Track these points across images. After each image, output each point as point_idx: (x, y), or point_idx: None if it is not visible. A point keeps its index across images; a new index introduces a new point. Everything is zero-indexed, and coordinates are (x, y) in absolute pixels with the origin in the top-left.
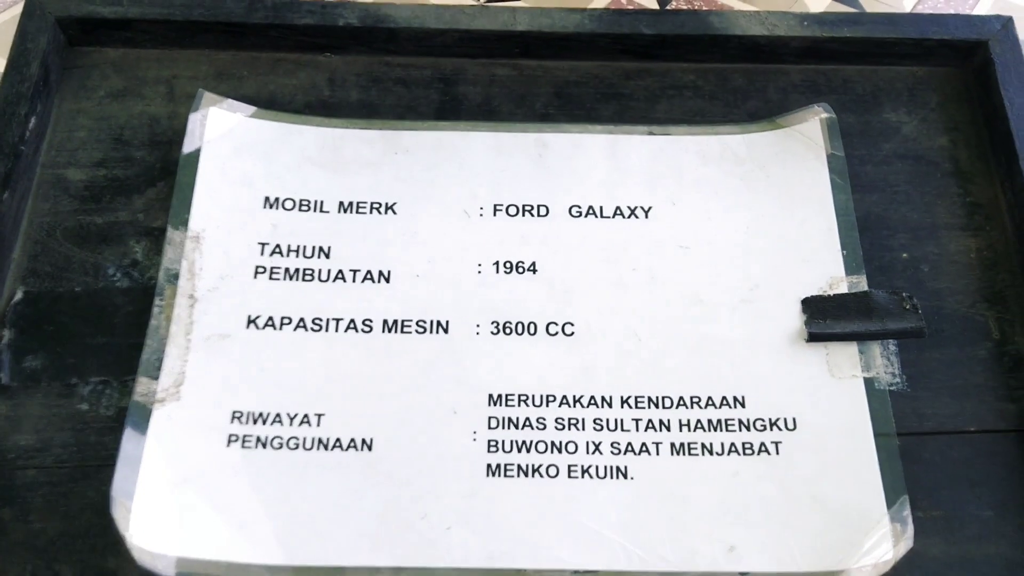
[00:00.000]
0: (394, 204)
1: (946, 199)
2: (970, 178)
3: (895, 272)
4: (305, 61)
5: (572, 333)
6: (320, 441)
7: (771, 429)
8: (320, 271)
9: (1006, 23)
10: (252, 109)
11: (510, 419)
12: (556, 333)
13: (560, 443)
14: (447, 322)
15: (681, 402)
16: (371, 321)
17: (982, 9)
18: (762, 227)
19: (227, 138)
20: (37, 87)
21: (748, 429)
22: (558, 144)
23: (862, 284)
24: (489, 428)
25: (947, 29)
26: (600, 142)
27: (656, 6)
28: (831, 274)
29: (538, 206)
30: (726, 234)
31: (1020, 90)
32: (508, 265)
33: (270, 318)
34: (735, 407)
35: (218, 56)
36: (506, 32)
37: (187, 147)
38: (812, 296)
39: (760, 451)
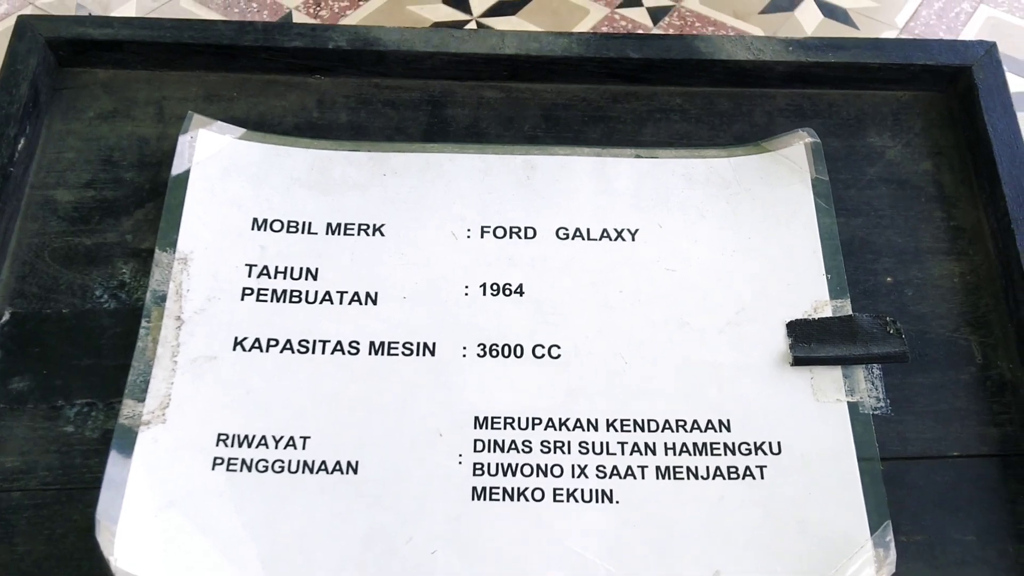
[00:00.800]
0: (382, 226)
1: (930, 223)
2: (954, 202)
3: (879, 296)
4: (295, 83)
5: (559, 356)
6: (305, 464)
7: (756, 453)
8: (307, 293)
9: (989, 49)
10: (241, 131)
11: (496, 442)
12: (542, 356)
13: (546, 466)
14: (434, 344)
15: (667, 425)
16: (358, 343)
17: (972, 27)
18: (748, 250)
19: (216, 160)
20: (27, 108)
21: (733, 453)
22: (545, 166)
23: (846, 308)
24: (475, 451)
25: (931, 55)
26: (587, 164)
27: (650, 22)
28: (815, 298)
29: (525, 228)
30: (712, 257)
31: (1003, 115)
32: (495, 287)
33: (256, 340)
34: (720, 431)
35: (208, 78)
36: (494, 56)
37: (176, 168)
38: (797, 320)
39: (745, 475)
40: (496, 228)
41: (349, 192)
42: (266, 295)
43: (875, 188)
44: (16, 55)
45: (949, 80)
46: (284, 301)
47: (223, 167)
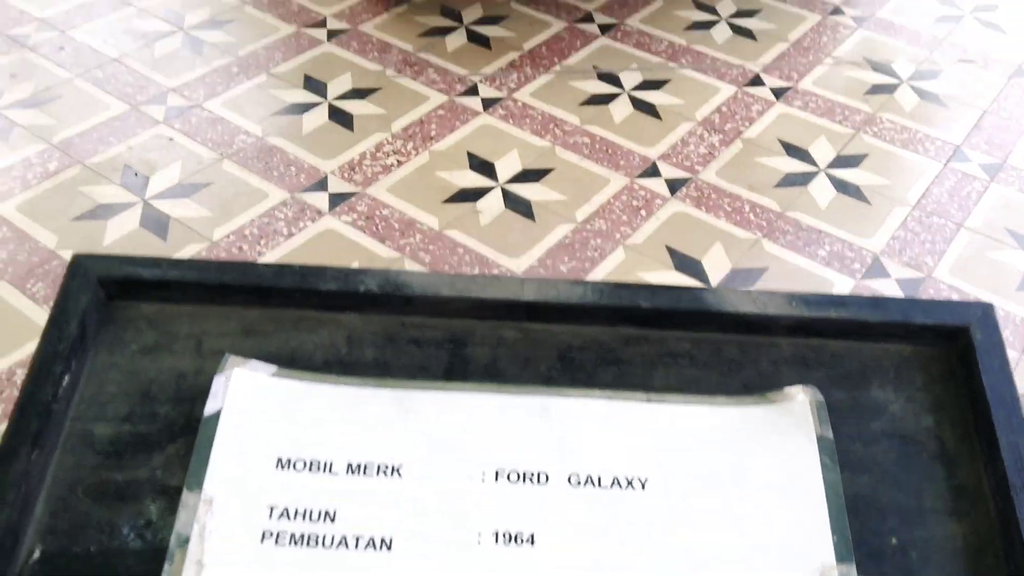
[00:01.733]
0: (400, 467)
1: (933, 482)
2: (955, 460)
3: (884, 558)
4: (326, 319)
5: None
6: None
7: None
8: (324, 537)
9: (986, 309)
10: (273, 368)
11: None
12: None
13: None
14: None
15: None
16: None
17: (984, 205)
18: (755, 508)
19: (248, 398)
20: (74, 345)
21: None
22: (559, 409)
23: (852, 574)
24: None
25: (929, 314)
26: (600, 408)
27: (668, 192)
28: (823, 561)
29: (538, 473)
30: (720, 510)
31: (1000, 376)
32: (507, 536)
33: None
34: None
35: (246, 313)
36: (514, 301)
37: (209, 409)
38: None
39: None
40: (510, 472)
41: (371, 431)
42: (284, 538)
43: (879, 443)
44: (69, 293)
45: (948, 338)
46: (301, 544)
47: (254, 405)
